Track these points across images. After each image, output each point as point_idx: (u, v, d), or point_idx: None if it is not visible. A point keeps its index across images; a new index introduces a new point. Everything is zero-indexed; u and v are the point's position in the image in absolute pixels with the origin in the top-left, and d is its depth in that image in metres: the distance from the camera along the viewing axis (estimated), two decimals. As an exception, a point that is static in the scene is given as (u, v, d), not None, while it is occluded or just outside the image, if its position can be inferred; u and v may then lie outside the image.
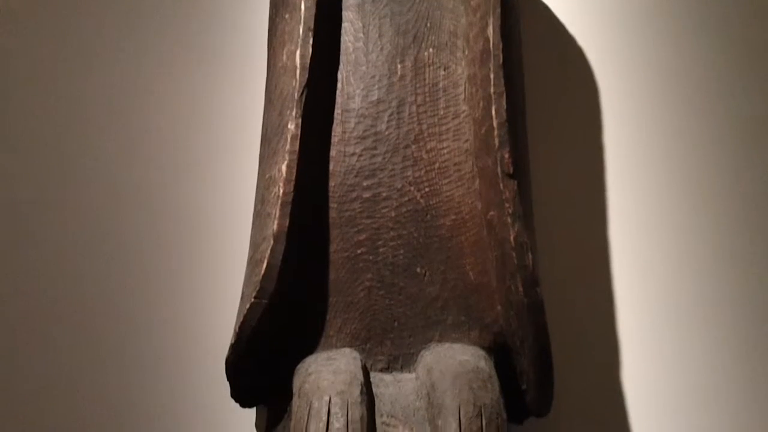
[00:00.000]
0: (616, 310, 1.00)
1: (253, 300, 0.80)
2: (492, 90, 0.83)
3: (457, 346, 0.84)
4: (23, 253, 0.97)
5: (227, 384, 0.85)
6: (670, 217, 1.04)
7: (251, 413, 0.94)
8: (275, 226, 0.80)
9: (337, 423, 0.73)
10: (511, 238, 0.81)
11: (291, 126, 0.82)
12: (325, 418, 0.73)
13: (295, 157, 0.81)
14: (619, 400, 0.98)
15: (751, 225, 1.03)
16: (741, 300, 1.01)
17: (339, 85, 0.87)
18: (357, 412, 0.74)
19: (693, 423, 0.98)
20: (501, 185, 0.81)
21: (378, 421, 0.77)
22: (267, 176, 0.85)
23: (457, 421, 0.74)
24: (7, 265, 0.97)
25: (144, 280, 0.97)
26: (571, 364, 0.95)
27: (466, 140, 0.86)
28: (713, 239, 1.03)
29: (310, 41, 0.83)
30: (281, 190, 0.80)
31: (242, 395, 0.87)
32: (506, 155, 0.81)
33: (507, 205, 0.81)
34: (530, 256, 0.81)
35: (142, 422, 0.94)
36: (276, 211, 0.80)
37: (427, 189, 0.86)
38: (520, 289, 0.81)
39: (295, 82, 0.83)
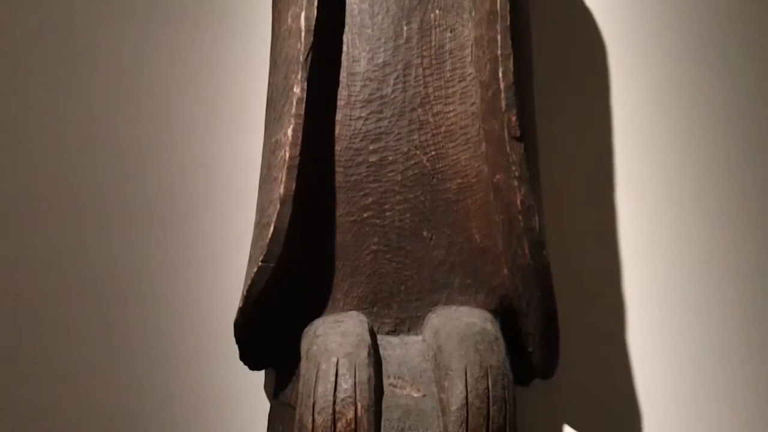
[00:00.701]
0: (623, 273, 1.00)
1: (260, 263, 0.80)
2: (499, 52, 0.82)
3: (463, 309, 0.84)
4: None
5: (236, 347, 0.86)
6: (678, 181, 1.03)
7: (260, 376, 0.95)
8: (282, 190, 0.80)
9: (345, 384, 0.74)
10: (518, 201, 0.81)
11: (296, 89, 0.81)
12: (332, 379, 0.74)
13: (301, 120, 0.81)
14: (624, 362, 0.98)
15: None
16: (750, 261, 1.01)
17: (344, 47, 0.86)
18: (364, 373, 0.75)
19: (699, 386, 0.99)
20: (508, 148, 0.81)
21: (385, 382, 0.78)
22: (273, 140, 0.85)
23: (464, 382, 0.75)
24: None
25: (150, 246, 0.97)
26: (576, 326, 0.96)
27: (473, 103, 0.86)
28: (723, 198, 1.03)
29: (315, 3, 0.83)
30: (287, 154, 0.80)
31: (251, 358, 0.89)
32: (513, 118, 0.81)
33: (514, 168, 0.81)
34: (537, 219, 0.81)
35: (150, 386, 0.95)
36: (282, 175, 0.80)
37: (433, 152, 0.86)
38: (527, 252, 0.81)
39: (300, 44, 0.82)
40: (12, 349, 0.94)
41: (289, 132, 0.81)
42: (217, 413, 0.94)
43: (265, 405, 0.93)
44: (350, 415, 0.73)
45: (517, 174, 0.81)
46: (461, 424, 0.73)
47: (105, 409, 0.94)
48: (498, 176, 0.83)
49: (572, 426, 0.97)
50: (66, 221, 0.97)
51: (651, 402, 0.97)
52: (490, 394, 0.74)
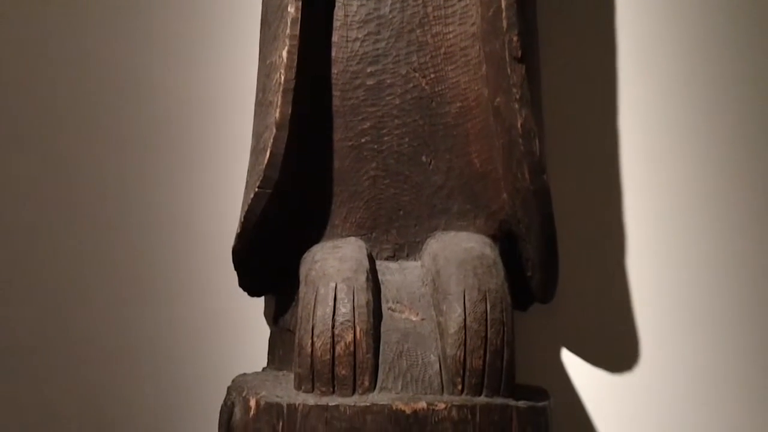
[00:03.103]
0: (623, 198, 1.00)
1: (257, 189, 0.80)
2: (499, -31, 0.79)
3: (462, 234, 0.84)
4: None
5: (235, 273, 0.86)
6: (683, 107, 1.01)
7: (260, 302, 0.96)
8: (277, 115, 0.79)
9: (344, 308, 0.74)
10: (519, 124, 0.79)
11: (291, 9, 0.79)
12: (331, 303, 0.74)
13: (296, 42, 0.78)
14: (623, 287, 0.99)
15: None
16: (755, 190, 1.01)
17: (340, -35, 0.84)
18: (363, 297, 0.75)
19: (696, 309, 0.99)
20: (509, 70, 0.79)
21: (384, 306, 0.78)
22: (268, 62, 0.83)
23: (462, 305, 0.75)
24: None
25: (147, 173, 0.97)
26: (576, 250, 0.96)
27: (473, 23, 0.83)
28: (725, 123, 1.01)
29: None
30: (283, 77, 0.78)
31: (250, 284, 0.89)
32: (514, 38, 0.79)
33: (515, 90, 0.79)
34: (537, 142, 0.80)
35: (150, 315, 0.96)
36: (278, 99, 0.79)
37: (432, 75, 0.84)
38: (527, 176, 0.80)
39: (295, -39, 0.79)
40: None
41: (284, 54, 0.79)
42: (217, 339, 0.96)
43: (265, 330, 0.94)
44: (349, 338, 0.73)
45: (517, 96, 0.79)
46: (459, 346, 0.74)
47: (105, 338, 0.95)
48: (498, 99, 0.81)
49: (570, 349, 0.98)
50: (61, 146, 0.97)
51: (648, 326, 0.98)
52: (488, 317, 0.75)
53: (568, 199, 0.95)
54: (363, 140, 0.84)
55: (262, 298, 0.95)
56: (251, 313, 0.96)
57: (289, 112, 0.78)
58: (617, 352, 0.98)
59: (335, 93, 0.83)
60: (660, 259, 0.99)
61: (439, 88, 0.84)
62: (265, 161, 0.79)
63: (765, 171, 1.01)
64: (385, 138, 0.84)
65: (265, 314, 0.96)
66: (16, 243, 0.96)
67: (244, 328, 0.95)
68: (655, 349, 0.98)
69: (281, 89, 0.78)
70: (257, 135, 0.84)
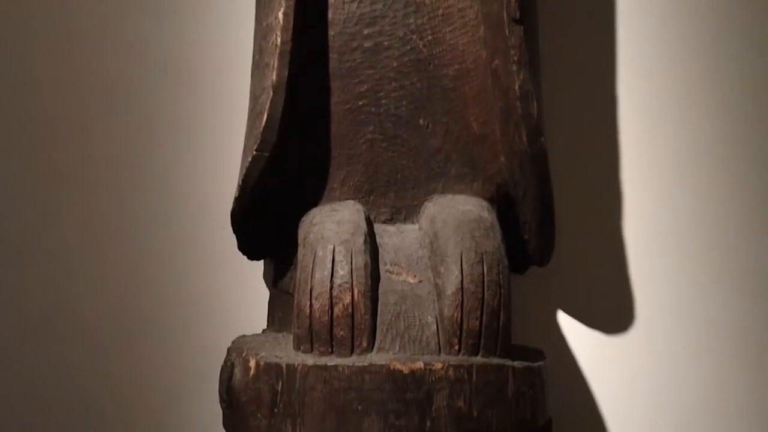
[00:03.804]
0: (621, 160, 1.00)
1: (254, 153, 0.80)
2: (498, -74, 0.78)
3: (460, 197, 0.84)
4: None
5: (234, 237, 0.87)
6: (682, 66, 1.01)
7: (259, 265, 0.96)
8: (274, 77, 0.78)
9: (342, 270, 0.75)
10: (516, 86, 0.79)
11: (287, -31, 0.78)
12: (329, 266, 0.75)
13: (292, 3, 0.78)
14: (620, 251, 0.99)
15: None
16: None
17: None
18: (361, 260, 0.75)
19: (694, 270, 1.00)
20: (507, 31, 0.78)
21: (382, 269, 0.78)
22: (264, 24, 0.82)
23: (459, 267, 0.76)
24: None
25: (143, 137, 0.96)
26: (573, 214, 0.96)
27: (471, -16, 0.83)
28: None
29: None
30: (279, 39, 0.78)
31: (249, 248, 0.89)
32: (513, -1, 0.78)
33: (513, 52, 0.79)
34: (535, 105, 0.80)
35: (149, 278, 0.96)
36: (274, 61, 0.78)
37: (430, 37, 0.83)
38: (524, 139, 0.80)
39: None
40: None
41: (280, 15, 0.78)
42: (217, 302, 0.96)
43: (264, 293, 0.95)
44: (347, 300, 0.74)
45: (515, 58, 0.79)
46: (456, 307, 0.74)
47: (106, 300, 0.96)
48: (496, 61, 0.81)
49: (566, 312, 0.99)
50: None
51: (644, 288, 0.99)
52: (485, 279, 0.75)
53: (565, 162, 0.95)
54: (360, 103, 0.84)
55: (262, 261, 0.96)
56: (250, 277, 0.96)
57: (286, 74, 0.78)
58: (613, 314, 0.99)
59: (332, 55, 0.83)
60: (657, 221, 0.99)
61: (437, 51, 0.83)
62: (262, 124, 0.79)
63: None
64: (383, 101, 0.84)
65: (265, 277, 0.96)
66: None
67: (244, 291, 0.96)
68: (651, 310, 0.99)
69: (278, 51, 0.78)
70: (254, 97, 0.84)
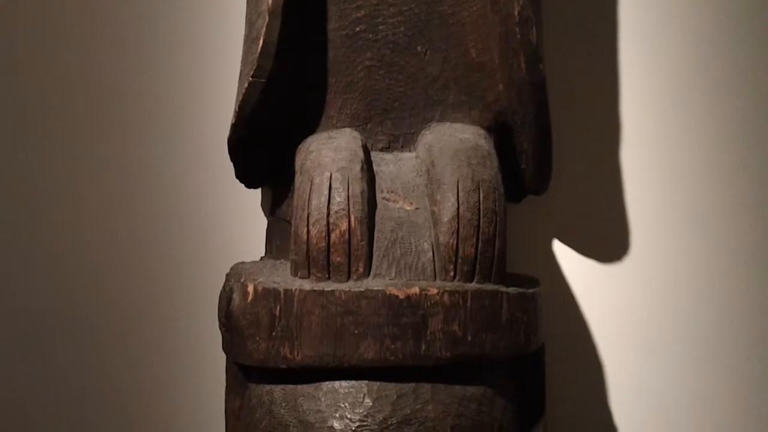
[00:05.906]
0: (620, 89, 0.99)
1: (251, 79, 0.79)
2: None
3: (457, 125, 0.84)
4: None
5: (231, 165, 0.87)
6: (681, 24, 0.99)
7: (257, 193, 0.96)
8: (270, 2, 0.77)
9: (338, 197, 0.75)
10: (516, 12, 0.78)
11: None
12: (326, 192, 0.75)
13: (289, -75, 0.76)
14: (617, 178, 0.99)
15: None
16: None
17: None
18: (357, 187, 0.76)
19: (690, 200, 1.00)
20: (506, -45, 0.77)
21: (378, 196, 0.79)
22: (259, -53, 0.80)
23: (455, 195, 0.76)
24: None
25: (140, 64, 0.95)
26: (570, 142, 0.96)
27: None
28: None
29: None
30: (275, -38, 0.76)
31: (246, 176, 0.90)
32: None
33: (512, -24, 0.77)
34: (534, 31, 0.79)
35: (147, 209, 0.97)
36: (270, -15, 0.77)
37: (428, -39, 0.81)
38: (523, 66, 0.79)
39: None
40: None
41: (277, -63, 0.76)
42: (216, 230, 0.97)
43: (262, 221, 0.95)
44: (344, 226, 0.75)
45: (515, -17, 0.77)
46: (452, 234, 0.75)
47: (104, 231, 0.97)
48: (496, -14, 0.79)
49: (562, 240, 1.00)
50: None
51: (640, 217, 1.00)
52: (481, 207, 0.76)
53: (563, 90, 0.94)
54: (357, 29, 0.82)
55: (259, 190, 0.96)
56: (249, 205, 0.97)
57: (282, -2, 0.77)
58: (608, 242, 1.00)
59: (329, -21, 0.81)
60: (654, 150, 0.99)
61: (436, -26, 0.82)
62: (258, 50, 0.78)
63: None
64: (380, 27, 0.82)
65: (262, 205, 0.97)
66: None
67: (242, 219, 0.97)
68: (647, 239, 1.00)
69: (274, -26, 0.76)
70: (250, 23, 0.82)
